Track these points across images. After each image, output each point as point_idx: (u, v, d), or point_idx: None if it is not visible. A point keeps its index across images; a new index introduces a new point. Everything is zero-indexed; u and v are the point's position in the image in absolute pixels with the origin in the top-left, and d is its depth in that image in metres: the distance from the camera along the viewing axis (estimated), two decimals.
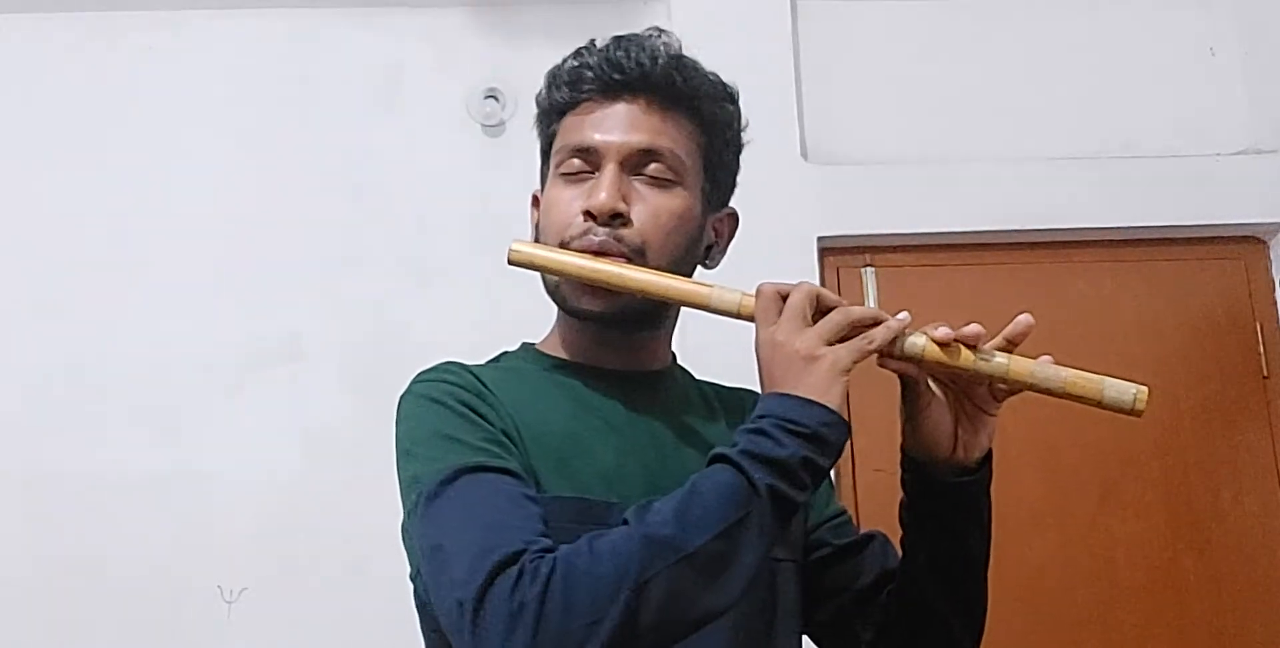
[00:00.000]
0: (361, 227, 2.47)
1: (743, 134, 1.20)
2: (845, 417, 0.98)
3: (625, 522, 0.94)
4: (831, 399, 0.97)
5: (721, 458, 0.96)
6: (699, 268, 1.17)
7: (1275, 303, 2.50)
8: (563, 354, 1.16)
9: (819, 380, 0.97)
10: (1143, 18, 2.61)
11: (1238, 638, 2.35)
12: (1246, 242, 2.54)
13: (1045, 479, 2.40)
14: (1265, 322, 2.49)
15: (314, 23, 2.55)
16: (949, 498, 1.08)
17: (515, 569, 0.89)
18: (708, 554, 0.91)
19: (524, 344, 1.20)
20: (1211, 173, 2.49)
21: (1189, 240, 2.52)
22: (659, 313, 1.13)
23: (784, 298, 1.02)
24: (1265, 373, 2.47)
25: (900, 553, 1.13)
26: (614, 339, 1.14)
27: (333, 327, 2.41)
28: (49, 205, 2.46)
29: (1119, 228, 2.49)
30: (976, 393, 1.06)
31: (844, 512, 1.22)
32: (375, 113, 2.53)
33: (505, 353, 1.20)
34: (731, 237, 1.22)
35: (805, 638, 1.18)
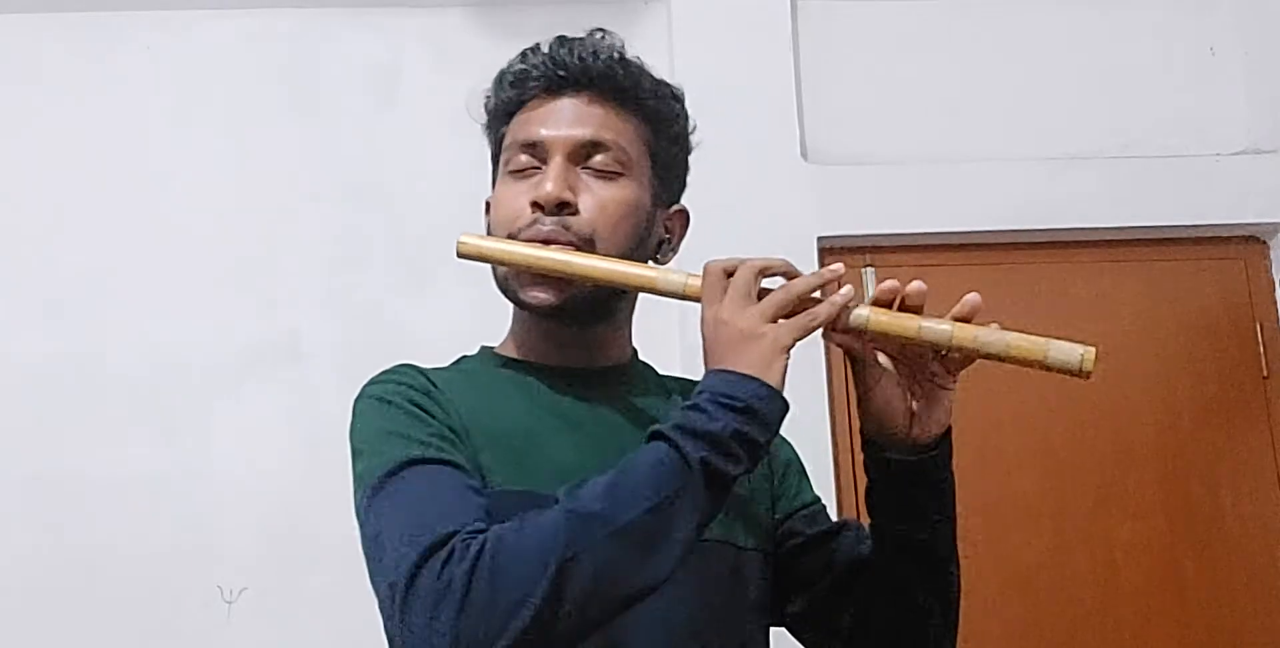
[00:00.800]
0: (361, 227, 2.47)
1: (691, 136, 1.21)
2: (784, 393, 0.98)
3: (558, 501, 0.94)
4: (771, 376, 0.97)
5: (656, 434, 0.96)
6: (651, 264, 1.17)
7: (1275, 303, 2.50)
8: (521, 355, 1.17)
9: (758, 358, 0.98)
10: (1143, 18, 2.60)
11: (1237, 638, 2.35)
12: (1246, 242, 2.54)
13: (1044, 479, 2.40)
14: (1265, 322, 2.49)
15: (314, 23, 2.55)
16: (908, 477, 1.07)
17: (445, 550, 0.90)
18: (638, 528, 0.91)
19: (482, 348, 1.21)
20: (1211, 173, 2.49)
21: (1189, 240, 2.52)
22: (611, 305, 1.14)
23: (729, 275, 1.02)
24: (1265, 373, 2.47)
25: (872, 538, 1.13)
26: (567, 336, 1.14)
27: (333, 327, 2.41)
28: (48, 205, 2.46)
29: (1119, 228, 2.49)
30: (927, 365, 1.06)
31: (817, 501, 1.22)
32: (375, 113, 2.52)
33: (464, 357, 1.21)
34: (683, 234, 1.22)
35: (783, 632, 1.18)
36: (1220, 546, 2.39)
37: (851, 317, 1.02)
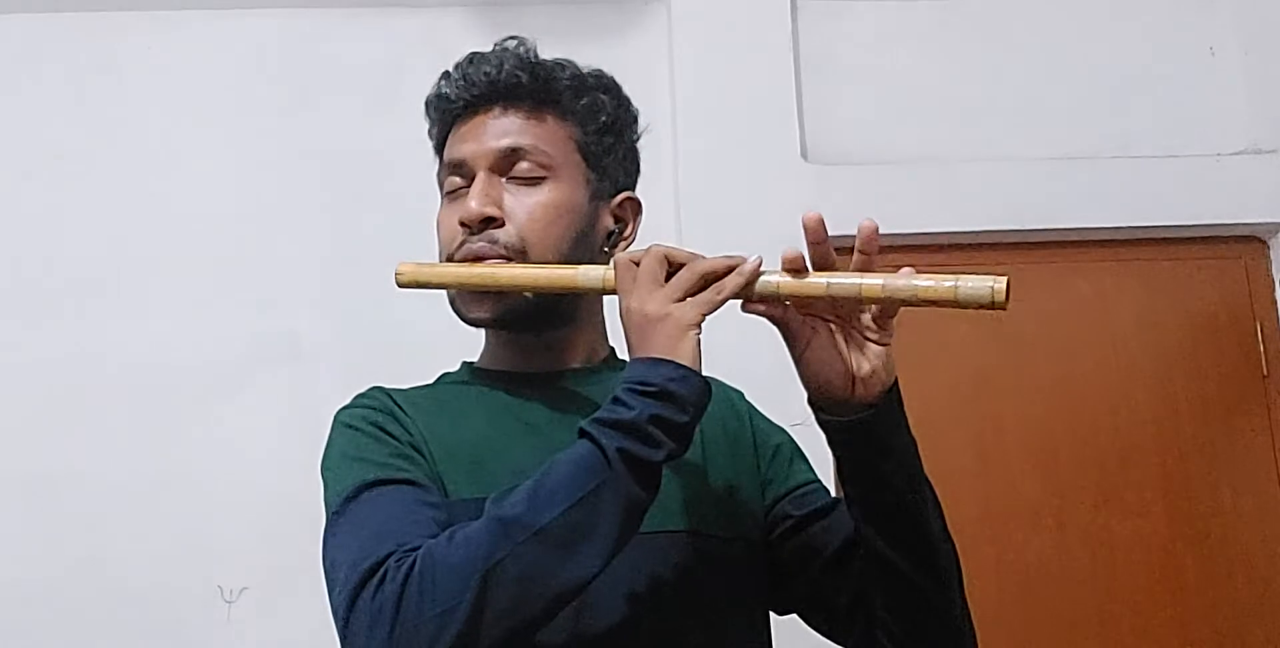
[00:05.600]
0: (362, 227, 2.47)
1: (630, 120, 1.21)
2: (700, 370, 0.98)
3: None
4: (681, 355, 0.98)
5: (580, 432, 0.97)
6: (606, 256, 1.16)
7: (1275, 303, 2.50)
8: (490, 364, 1.18)
9: (666, 338, 0.99)
10: (1143, 18, 2.60)
11: (1237, 637, 2.35)
12: (1246, 242, 2.54)
13: (1044, 479, 2.40)
14: (1265, 322, 2.49)
15: (314, 23, 2.55)
16: (858, 438, 1.05)
17: (380, 572, 0.91)
18: (560, 527, 0.92)
19: (463, 363, 1.23)
20: (1211, 173, 2.49)
21: (1189, 240, 2.52)
22: (566, 309, 1.14)
23: (637, 264, 1.03)
24: (1265, 373, 2.47)
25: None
26: (528, 343, 1.16)
27: (332, 327, 2.41)
28: (47, 204, 2.46)
29: (1119, 228, 2.49)
30: (857, 321, 1.05)
31: (810, 482, 1.20)
32: (375, 113, 2.52)
33: (444, 374, 1.23)
34: (636, 220, 1.22)
35: (790, 619, 1.17)
36: (1220, 545, 2.39)
37: (760, 284, 1.02)
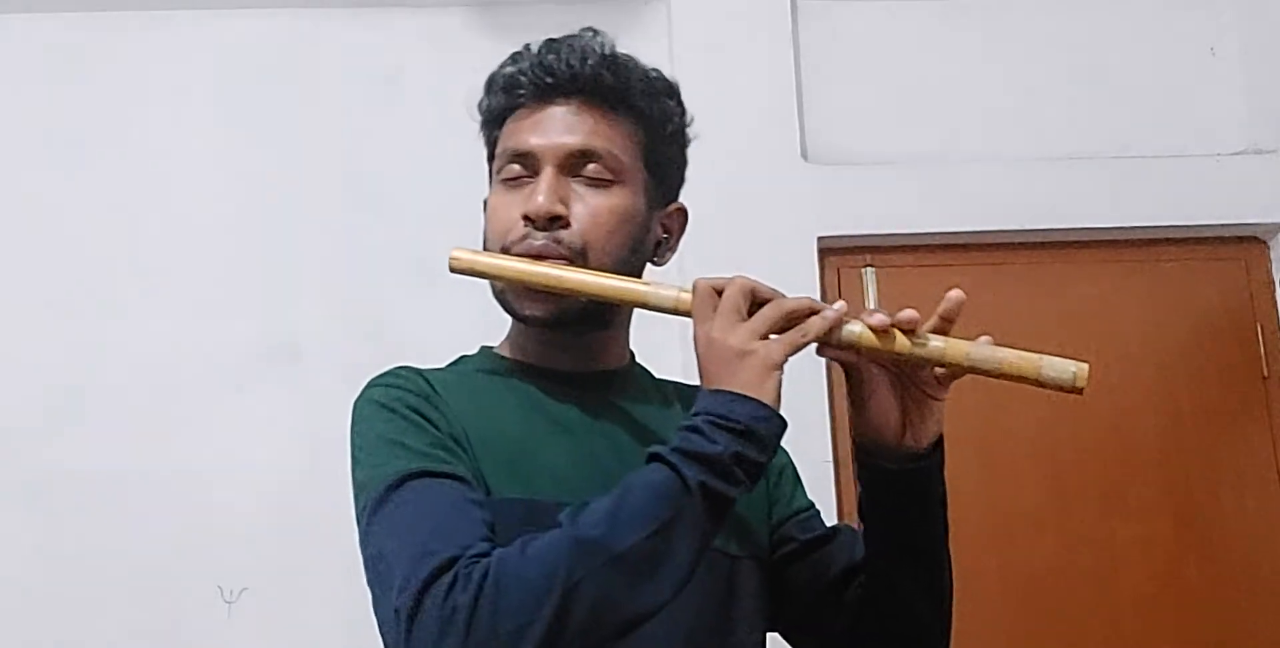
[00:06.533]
0: (361, 227, 2.47)
1: (688, 129, 1.20)
2: (780, 410, 0.98)
3: (560, 524, 0.94)
4: (765, 394, 0.97)
5: (655, 457, 0.96)
6: (649, 265, 1.17)
7: (1275, 303, 2.50)
8: (517, 356, 1.16)
9: (752, 376, 0.98)
10: (1143, 18, 2.60)
11: (1240, 639, 2.35)
12: (1246, 242, 2.54)
13: (1047, 482, 2.40)
14: (1265, 322, 2.49)
15: (313, 23, 2.55)
16: (901, 485, 1.08)
17: (450, 575, 0.90)
18: (638, 554, 0.91)
19: (482, 348, 1.21)
20: (1211, 173, 2.49)
21: (1189, 240, 2.52)
22: (607, 313, 1.13)
23: (719, 293, 1.02)
24: (1265, 373, 2.46)
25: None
26: (564, 341, 1.14)
27: (333, 327, 2.41)
28: (48, 205, 2.46)
29: (1119, 228, 2.49)
30: (920, 377, 1.06)
31: (811, 506, 1.22)
32: (375, 113, 2.52)
33: (463, 357, 1.21)
34: (682, 232, 1.21)
35: (778, 637, 1.18)
36: (1222, 546, 2.39)
37: (844, 332, 1.02)
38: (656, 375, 1.24)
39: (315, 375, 2.38)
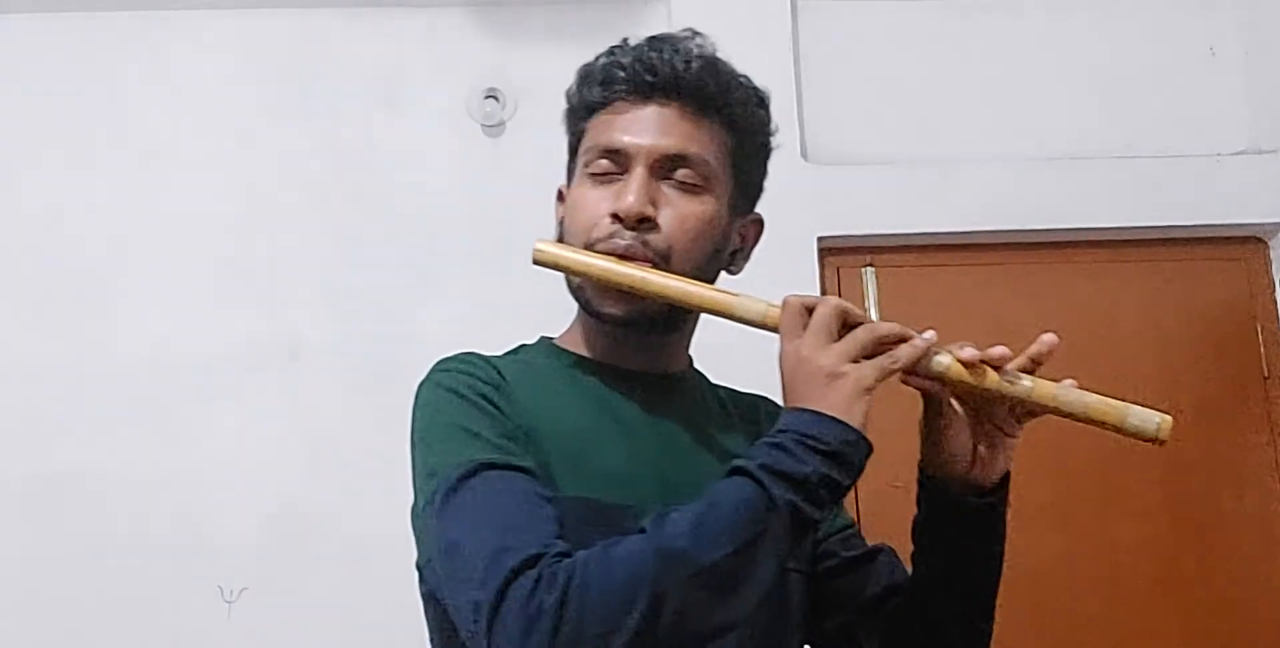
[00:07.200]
0: (361, 227, 2.47)
1: (772, 138, 1.19)
2: (867, 435, 0.97)
3: (643, 530, 0.93)
4: (854, 417, 0.96)
5: (741, 471, 0.95)
6: (723, 273, 1.16)
7: (1275, 303, 2.50)
8: (582, 351, 1.15)
9: (842, 398, 0.97)
10: (1143, 18, 2.61)
11: (1239, 638, 2.35)
12: (1246, 242, 2.54)
13: (1047, 481, 2.39)
14: (1265, 322, 2.49)
15: (314, 23, 2.55)
16: (966, 518, 1.08)
17: (533, 573, 0.90)
18: (722, 569, 0.91)
19: (542, 338, 1.20)
20: (1211, 173, 2.49)
21: (1189, 240, 2.52)
22: (680, 316, 1.13)
23: (810, 311, 1.01)
24: (1265, 373, 2.47)
25: (910, 568, 1.13)
26: (634, 340, 1.13)
27: (333, 327, 2.41)
28: (49, 205, 2.46)
29: (1119, 228, 2.49)
30: (997, 414, 1.06)
31: (852, 523, 1.22)
32: (375, 113, 2.52)
33: (523, 346, 1.19)
34: (756, 241, 1.21)
35: None
36: (1221, 545, 2.39)
37: (933, 362, 1.01)
38: (711, 380, 1.23)
39: (315, 375, 2.39)
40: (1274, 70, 2.55)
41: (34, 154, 2.49)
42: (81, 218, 2.46)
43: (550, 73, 2.47)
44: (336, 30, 2.55)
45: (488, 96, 2.49)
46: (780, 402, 1.04)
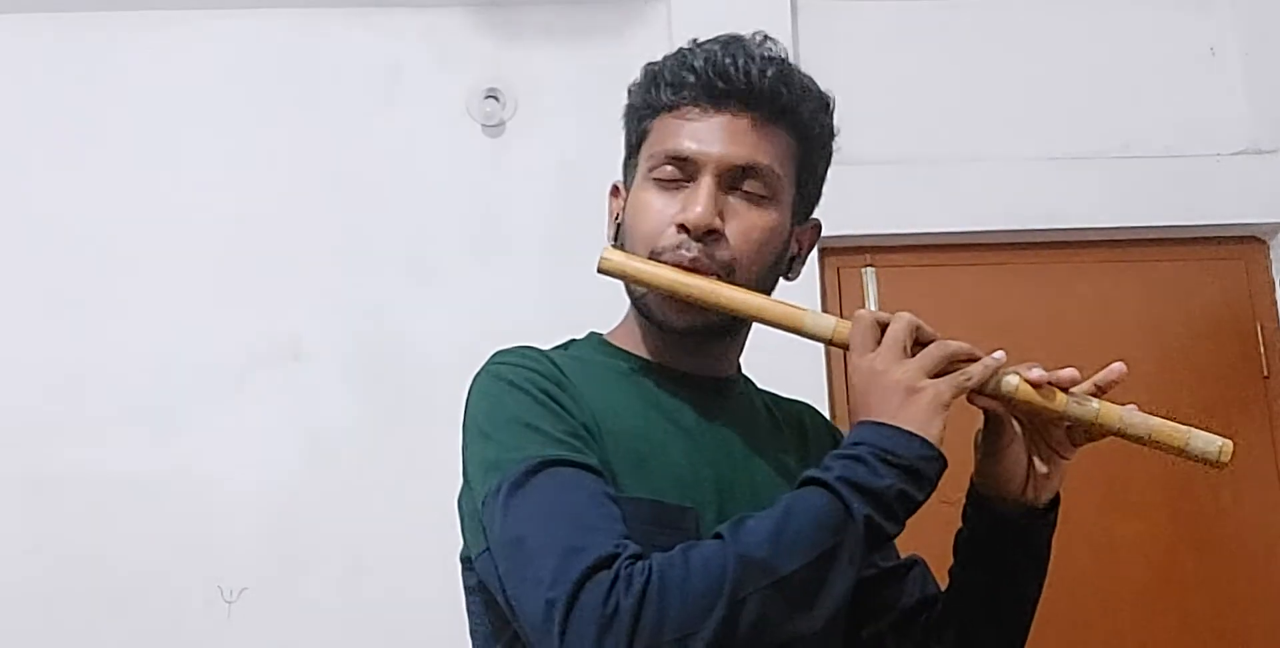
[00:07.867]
0: (361, 227, 2.47)
1: (833, 143, 1.18)
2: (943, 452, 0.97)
3: (718, 536, 0.93)
4: (931, 433, 0.96)
5: (818, 482, 0.95)
6: (780, 280, 1.15)
7: (1275, 303, 2.50)
8: (638, 351, 1.14)
9: (920, 413, 0.97)
10: (1143, 18, 2.61)
11: (1239, 637, 2.35)
12: (1246, 242, 2.54)
13: None
14: (1265, 322, 2.49)
15: (314, 23, 2.55)
16: (1015, 537, 1.10)
17: (609, 575, 0.89)
18: (800, 580, 0.91)
19: (592, 334, 1.19)
20: (1211, 173, 2.49)
21: (1189, 240, 2.52)
22: (739, 324, 1.12)
23: (882, 326, 1.01)
24: (1265, 373, 2.47)
25: (948, 581, 1.14)
26: (691, 345, 1.12)
27: (333, 327, 2.41)
28: (48, 205, 2.46)
29: (1119, 228, 2.49)
30: (1054, 435, 1.07)
31: None
32: (375, 113, 2.53)
33: (573, 341, 1.18)
34: (812, 247, 1.20)
35: None
36: (1221, 545, 2.39)
37: (1002, 383, 1.02)
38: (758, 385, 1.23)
39: (315, 376, 2.38)
40: (1274, 70, 2.55)
41: (34, 154, 2.49)
42: (81, 217, 2.46)
43: (550, 73, 2.51)
44: (336, 30, 2.55)
45: (488, 96, 2.49)
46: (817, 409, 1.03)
